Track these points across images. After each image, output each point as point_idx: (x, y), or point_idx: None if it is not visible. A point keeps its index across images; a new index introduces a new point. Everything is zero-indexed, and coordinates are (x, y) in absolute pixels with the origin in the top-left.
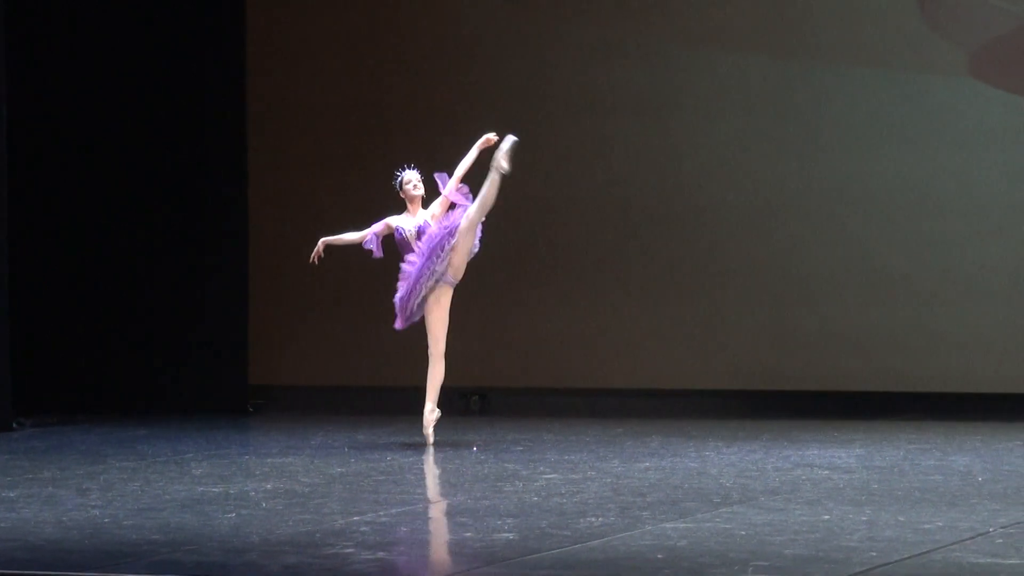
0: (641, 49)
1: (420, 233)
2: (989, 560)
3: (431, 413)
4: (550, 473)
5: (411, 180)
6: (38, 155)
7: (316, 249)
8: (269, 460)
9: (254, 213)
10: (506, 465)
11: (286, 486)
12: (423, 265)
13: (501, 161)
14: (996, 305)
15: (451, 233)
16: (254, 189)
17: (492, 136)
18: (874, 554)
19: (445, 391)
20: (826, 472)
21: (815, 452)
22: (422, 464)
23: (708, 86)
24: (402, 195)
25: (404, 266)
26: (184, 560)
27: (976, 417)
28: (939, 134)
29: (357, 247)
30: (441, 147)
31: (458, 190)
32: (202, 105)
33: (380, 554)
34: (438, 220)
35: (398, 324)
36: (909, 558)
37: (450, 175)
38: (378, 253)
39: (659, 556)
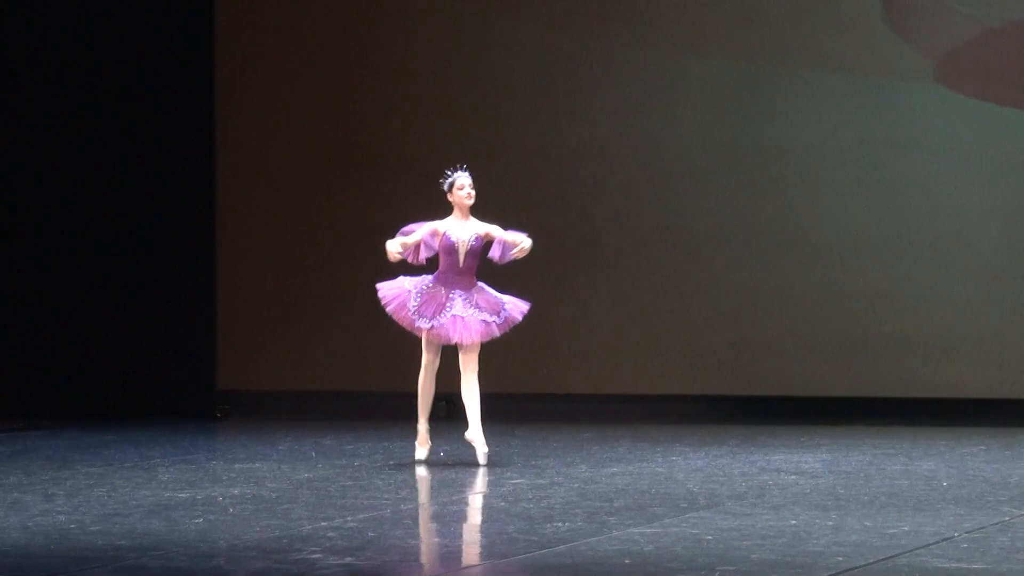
0: (606, 55)
1: (473, 245)
2: (954, 564)
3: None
4: (517, 478)
5: (464, 186)
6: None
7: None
8: (236, 465)
9: (221, 217)
10: (473, 470)
11: (253, 491)
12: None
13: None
14: (961, 311)
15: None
16: (221, 193)
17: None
18: (840, 559)
19: (409, 396)
20: (793, 477)
21: (781, 457)
22: (389, 470)
23: (673, 92)
24: (450, 198)
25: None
26: (151, 566)
27: (941, 422)
28: (905, 140)
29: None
30: (411, 149)
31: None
32: (168, 107)
33: (347, 559)
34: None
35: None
36: (875, 563)
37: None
38: (414, 260)
39: (626, 561)
